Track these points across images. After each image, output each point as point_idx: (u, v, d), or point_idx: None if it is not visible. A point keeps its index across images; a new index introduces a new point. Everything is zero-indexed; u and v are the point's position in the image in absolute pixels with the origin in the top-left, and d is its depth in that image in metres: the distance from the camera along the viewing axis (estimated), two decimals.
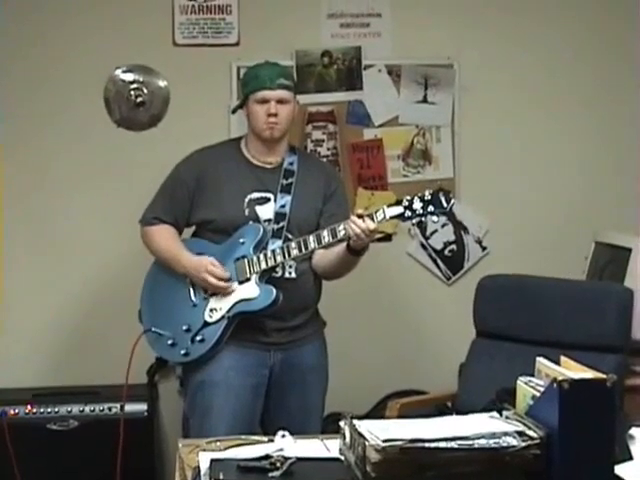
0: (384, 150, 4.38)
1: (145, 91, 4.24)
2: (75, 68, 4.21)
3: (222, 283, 3.27)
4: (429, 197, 3.07)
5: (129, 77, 4.24)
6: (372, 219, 3.08)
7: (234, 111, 3.58)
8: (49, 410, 3.93)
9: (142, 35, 4.22)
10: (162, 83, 4.26)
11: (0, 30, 4.15)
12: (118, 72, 4.23)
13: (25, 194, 4.23)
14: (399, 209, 3.08)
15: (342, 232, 3.14)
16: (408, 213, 3.08)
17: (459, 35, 4.39)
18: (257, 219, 3.33)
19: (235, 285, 3.29)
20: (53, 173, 4.25)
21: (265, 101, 3.33)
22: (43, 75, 4.21)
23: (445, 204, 3.07)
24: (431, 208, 3.07)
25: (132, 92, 4.23)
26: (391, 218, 3.11)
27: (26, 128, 4.21)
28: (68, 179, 4.25)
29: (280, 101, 3.33)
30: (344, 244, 3.21)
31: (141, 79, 4.25)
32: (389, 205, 3.11)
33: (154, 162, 4.04)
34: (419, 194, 3.09)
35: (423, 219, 3.11)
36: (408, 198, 3.09)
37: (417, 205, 3.07)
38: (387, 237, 4.32)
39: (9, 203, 4.20)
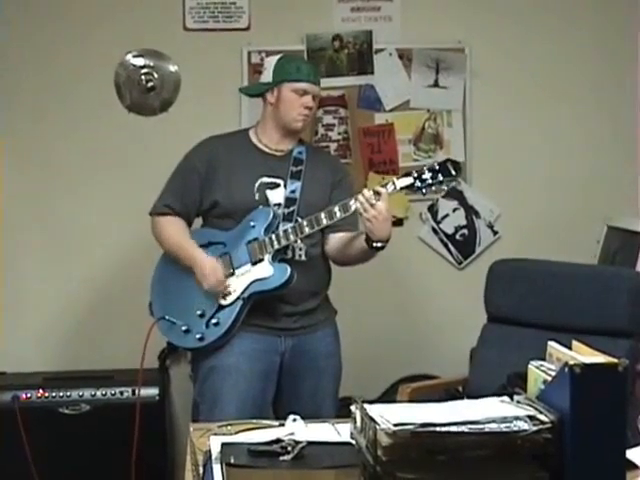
0: (395, 134, 4.37)
1: (156, 76, 4.24)
2: (85, 53, 4.20)
3: (220, 287, 3.30)
4: (437, 167, 3.16)
5: (140, 62, 4.24)
6: (384, 189, 3.13)
7: (258, 95, 3.50)
8: (61, 394, 3.95)
9: (153, 20, 4.22)
10: (173, 68, 4.26)
11: (8, 16, 4.15)
12: (129, 57, 4.23)
13: (37, 180, 4.25)
14: (409, 179, 3.16)
15: (353, 206, 3.17)
16: (418, 183, 3.15)
17: (470, 19, 4.38)
18: (267, 203, 3.34)
19: (249, 266, 3.30)
20: (64, 158, 4.25)
21: (305, 93, 3.36)
22: (52, 60, 4.20)
23: (454, 172, 3.16)
24: (440, 177, 3.15)
25: (143, 77, 4.23)
26: (401, 189, 3.17)
27: (34, 114, 4.21)
28: (78, 164, 4.25)
29: (314, 97, 3.41)
30: (363, 237, 3.22)
31: (152, 64, 4.24)
32: (399, 177, 3.19)
33: (165, 147, 4.05)
34: (427, 165, 3.18)
35: (434, 188, 3.16)
36: (417, 169, 3.18)
37: (427, 175, 3.15)
38: (398, 221, 4.31)
39: (22, 189, 4.21)
